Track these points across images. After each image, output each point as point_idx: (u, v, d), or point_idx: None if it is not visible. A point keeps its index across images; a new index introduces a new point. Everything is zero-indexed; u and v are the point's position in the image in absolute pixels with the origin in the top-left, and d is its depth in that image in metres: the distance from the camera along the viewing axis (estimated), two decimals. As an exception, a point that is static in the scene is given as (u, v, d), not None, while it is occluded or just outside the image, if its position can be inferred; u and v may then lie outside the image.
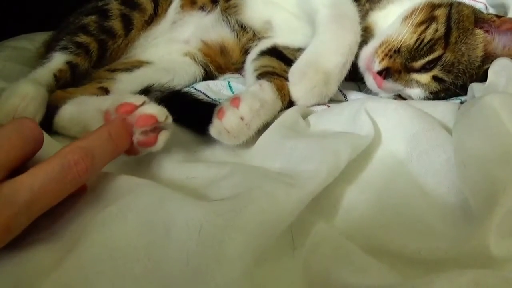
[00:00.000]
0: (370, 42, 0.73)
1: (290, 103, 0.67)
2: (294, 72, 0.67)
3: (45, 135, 0.42)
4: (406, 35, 0.69)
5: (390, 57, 0.69)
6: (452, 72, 0.69)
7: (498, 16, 0.73)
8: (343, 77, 0.68)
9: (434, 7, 0.73)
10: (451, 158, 0.47)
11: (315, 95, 0.67)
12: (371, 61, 0.71)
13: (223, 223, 0.35)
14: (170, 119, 0.48)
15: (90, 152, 0.38)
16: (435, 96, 0.71)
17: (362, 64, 0.73)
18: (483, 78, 0.66)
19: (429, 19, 0.70)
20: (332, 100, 0.70)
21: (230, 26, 0.86)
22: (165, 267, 0.34)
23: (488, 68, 0.65)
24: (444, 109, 0.57)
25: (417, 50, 0.68)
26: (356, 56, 0.70)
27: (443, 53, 0.68)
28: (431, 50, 0.68)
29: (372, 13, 0.78)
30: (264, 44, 0.84)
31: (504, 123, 0.44)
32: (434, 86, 0.70)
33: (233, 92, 0.78)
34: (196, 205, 0.37)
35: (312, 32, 0.72)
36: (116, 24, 0.78)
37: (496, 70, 0.62)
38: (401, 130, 0.51)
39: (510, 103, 0.46)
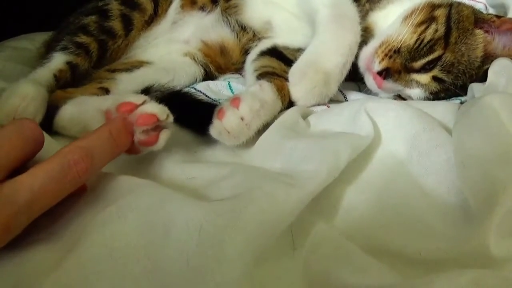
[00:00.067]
0: (370, 42, 0.73)
1: (290, 104, 0.67)
2: (294, 73, 0.67)
3: (46, 135, 0.42)
4: (406, 35, 0.69)
5: (390, 57, 0.69)
6: (452, 72, 0.69)
7: (498, 16, 0.73)
8: (343, 78, 0.68)
9: (434, 7, 0.73)
10: (451, 158, 0.47)
11: (315, 96, 0.67)
12: (371, 61, 0.71)
13: (223, 223, 0.35)
14: (171, 117, 0.48)
15: (90, 152, 0.38)
16: (435, 96, 0.71)
17: (362, 64, 0.73)
18: (483, 78, 0.66)
19: (429, 19, 0.70)
20: (332, 101, 0.70)
21: (230, 26, 0.86)
22: (165, 267, 0.34)
23: (488, 68, 0.65)
24: (444, 109, 0.57)
25: (417, 50, 0.68)
26: (356, 56, 0.70)
27: (443, 53, 0.68)
28: (431, 50, 0.68)
29: (372, 13, 0.78)
30: (264, 45, 0.84)
31: (504, 123, 0.44)
32: (434, 86, 0.70)
33: (233, 93, 0.78)
34: (196, 205, 0.37)
35: (312, 32, 0.72)
36: (116, 24, 0.78)
37: (496, 70, 0.62)
38: (401, 131, 0.51)
39: (510, 103, 0.46)
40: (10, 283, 0.33)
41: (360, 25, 0.70)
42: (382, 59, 0.69)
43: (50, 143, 0.50)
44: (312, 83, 0.66)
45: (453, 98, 0.71)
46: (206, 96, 0.75)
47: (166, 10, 0.86)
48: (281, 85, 0.65)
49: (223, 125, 0.54)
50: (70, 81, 0.71)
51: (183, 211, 0.36)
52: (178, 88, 0.74)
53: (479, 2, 0.92)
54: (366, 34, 0.73)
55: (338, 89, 0.69)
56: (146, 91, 0.69)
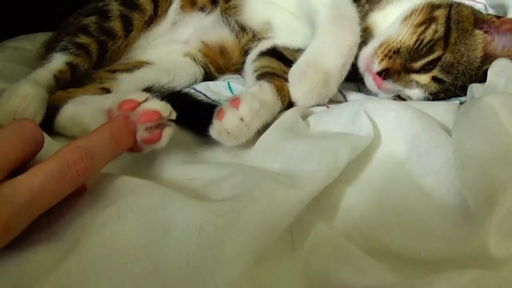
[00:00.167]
0: (369, 42, 0.73)
1: (290, 104, 0.67)
2: (294, 73, 0.68)
3: (46, 135, 0.42)
4: (405, 36, 0.69)
5: (390, 57, 0.69)
6: (451, 72, 0.69)
7: (497, 17, 0.73)
8: (343, 78, 0.69)
9: (433, 7, 0.73)
10: (451, 158, 0.47)
11: (314, 96, 0.67)
12: (370, 61, 0.71)
13: (222, 224, 0.35)
14: (173, 114, 0.47)
15: (89, 151, 0.38)
16: (435, 96, 0.71)
17: (361, 64, 0.73)
18: (482, 78, 0.67)
19: (429, 20, 0.71)
20: (331, 101, 0.70)
21: (230, 27, 0.86)
22: (165, 267, 0.34)
23: (487, 69, 0.65)
24: (443, 109, 0.57)
25: (416, 50, 0.68)
26: (356, 57, 0.70)
27: (443, 54, 0.68)
28: (430, 51, 0.68)
29: (371, 14, 0.78)
30: (264, 45, 0.84)
31: (503, 124, 0.44)
32: (434, 86, 0.70)
33: (233, 93, 0.78)
34: (196, 206, 0.37)
35: (311, 32, 0.72)
36: (116, 25, 0.78)
37: (495, 70, 0.62)
38: (400, 131, 0.51)
39: (509, 104, 0.46)
40: (10, 283, 0.33)
41: (360, 25, 0.70)
42: (382, 60, 0.70)
43: (50, 144, 0.50)
44: (311, 83, 0.66)
45: (452, 99, 0.71)
46: (206, 96, 0.75)
47: (166, 11, 0.86)
48: (280, 86, 0.65)
49: (223, 125, 0.54)
50: (70, 82, 0.71)
51: (183, 211, 0.36)
52: (178, 88, 0.74)
53: (478, 2, 0.92)
54: (365, 35, 0.73)
55: (338, 90, 0.69)
56: (146, 91, 0.69)
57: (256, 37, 0.87)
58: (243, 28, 0.86)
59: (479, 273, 0.32)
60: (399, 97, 0.74)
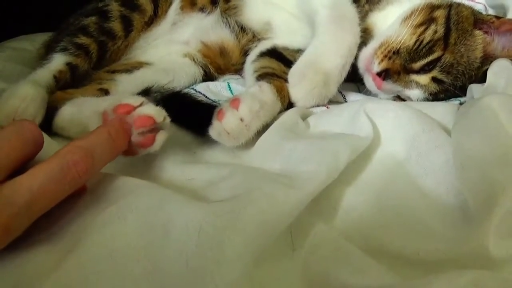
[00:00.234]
0: (369, 43, 0.73)
1: (289, 104, 0.67)
2: (293, 73, 0.68)
3: (45, 136, 0.42)
4: (405, 36, 0.69)
5: (390, 58, 0.69)
6: (451, 73, 0.69)
7: (497, 17, 0.73)
8: (343, 79, 0.69)
9: (433, 8, 0.73)
10: (450, 159, 0.47)
11: (314, 96, 0.67)
12: (370, 62, 0.71)
13: (222, 224, 0.35)
14: (167, 120, 0.47)
15: (89, 152, 0.37)
16: (434, 97, 0.71)
17: (361, 65, 0.73)
18: (482, 79, 0.67)
19: (428, 20, 0.71)
20: (331, 101, 0.70)
21: (230, 27, 0.86)
22: (165, 268, 0.34)
23: (487, 69, 0.65)
24: (443, 110, 0.57)
25: (416, 51, 0.69)
26: (356, 57, 0.70)
27: (442, 54, 0.68)
28: (430, 51, 0.68)
29: (371, 14, 0.78)
30: (263, 45, 0.85)
31: (503, 124, 0.44)
32: (433, 87, 0.70)
33: (232, 93, 0.78)
34: (196, 206, 0.37)
35: (311, 33, 0.72)
36: (116, 26, 0.78)
37: (495, 71, 0.63)
38: (400, 131, 0.51)
39: (509, 104, 0.46)
40: (10, 283, 0.33)
41: (360, 26, 0.70)
42: (382, 60, 0.70)
43: (50, 144, 0.50)
44: (311, 84, 0.66)
45: (452, 99, 0.71)
46: (206, 97, 0.75)
47: (166, 11, 0.86)
48: (280, 86, 0.65)
49: (223, 126, 0.54)
50: (70, 82, 0.71)
51: (182, 212, 0.37)
52: (177, 89, 0.74)
53: (478, 2, 0.92)
54: (365, 35, 0.73)
55: (338, 90, 0.69)
56: (146, 92, 0.70)
57: (256, 38, 0.87)
58: (243, 29, 0.86)
59: (478, 273, 0.32)
60: (399, 98, 0.74)
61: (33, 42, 0.97)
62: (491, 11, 0.91)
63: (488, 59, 0.70)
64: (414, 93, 0.71)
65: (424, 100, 0.71)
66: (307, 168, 0.46)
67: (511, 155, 0.42)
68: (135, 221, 0.37)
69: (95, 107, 0.54)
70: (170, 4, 0.87)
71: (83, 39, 0.74)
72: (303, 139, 0.54)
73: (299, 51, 0.74)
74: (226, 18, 0.86)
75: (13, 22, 1.11)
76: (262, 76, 0.72)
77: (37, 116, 0.60)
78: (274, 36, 0.86)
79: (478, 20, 0.72)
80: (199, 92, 0.77)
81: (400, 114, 0.53)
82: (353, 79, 0.75)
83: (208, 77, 0.86)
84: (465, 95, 0.69)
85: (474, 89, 0.64)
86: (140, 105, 0.46)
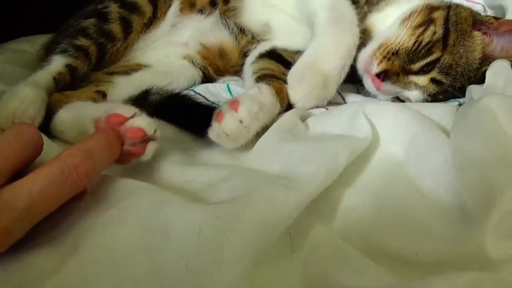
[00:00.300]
0: (368, 44, 0.73)
1: (289, 106, 0.67)
2: (292, 75, 0.68)
3: (45, 138, 0.42)
4: (404, 38, 0.69)
5: (389, 59, 0.69)
6: (450, 74, 0.69)
7: (496, 18, 0.73)
8: (342, 80, 0.69)
9: (432, 9, 0.73)
10: (449, 160, 0.47)
11: (313, 98, 0.67)
12: (369, 63, 0.71)
13: (222, 226, 0.35)
14: (158, 132, 0.48)
15: (90, 155, 0.38)
16: (433, 98, 0.71)
17: (360, 66, 0.73)
18: (481, 80, 0.67)
19: (427, 22, 0.71)
20: (330, 103, 0.70)
21: (229, 29, 0.86)
22: (164, 269, 0.34)
23: (486, 70, 0.65)
24: (442, 111, 0.57)
25: (415, 52, 0.69)
26: (355, 59, 0.70)
27: (441, 56, 0.69)
28: (429, 52, 0.68)
29: (370, 16, 0.79)
30: (263, 47, 0.85)
31: (501, 125, 0.44)
32: (432, 88, 0.70)
33: (232, 95, 0.78)
34: (195, 208, 0.37)
35: (310, 34, 0.72)
36: (115, 27, 0.78)
37: (494, 72, 0.63)
38: (399, 132, 0.51)
39: (507, 105, 0.46)
40: (12, 286, 0.33)
41: (359, 27, 0.71)
42: (381, 61, 0.70)
43: (50, 146, 0.50)
44: (310, 85, 0.66)
45: (451, 100, 0.71)
46: (205, 98, 0.75)
47: (165, 13, 0.86)
48: (279, 88, 0.65)
49: (222, 127, 0.54)
50: (70, 84, 0.71)
51: (182, 213, 0.37)
52: (177, 90, 0.74)
53: (477, 3, 0.92)
54: (364, 36, 0.73)
55: (337, 91, 0.70)
56: (144, 94, 0.70)
57: (255, 39, 0.87)
58: (242, 30, 0.86)
59: (477, 274, 0.33)
60: (398, 99, 0.74)
61: (32, 44, 0.97)
62: (490, 12, 0.91)
63: (487, 60, 0.70)
64: (413, 94, 0.71)
65: (423, 101, 0.71)
66: (306, 169, 0.46)
67: (509, 156, 0.42)
68: (135, 222, 0.37)
69: (89, 114, 0.54)
70: (169, 6, 0.87)
71: (82, 41, 0.74)
72: (302, 141, 0.54)
73: (298, 53, 0.74)
74: (225, 20, 0.86)
75: (12, 24, 1.11)
76: (261, 77, 0.72)
77: (37, 118, 0.60)
78: (273, 38, 0.86)
79: (477, 21, 0.72)
80: (199, 93, 0.77)
81: (399, 115, 0.53)
82: (352, 80, 0.75)
83: (207, 78, 0.87)
84: (464, 96, 0.69)
85: (473, 90, 0.64)
86: (133, 116, 0.47)
